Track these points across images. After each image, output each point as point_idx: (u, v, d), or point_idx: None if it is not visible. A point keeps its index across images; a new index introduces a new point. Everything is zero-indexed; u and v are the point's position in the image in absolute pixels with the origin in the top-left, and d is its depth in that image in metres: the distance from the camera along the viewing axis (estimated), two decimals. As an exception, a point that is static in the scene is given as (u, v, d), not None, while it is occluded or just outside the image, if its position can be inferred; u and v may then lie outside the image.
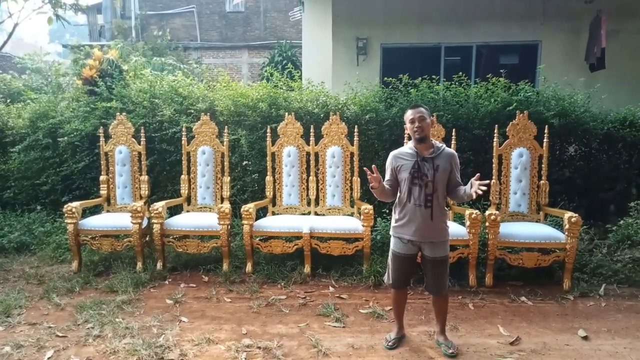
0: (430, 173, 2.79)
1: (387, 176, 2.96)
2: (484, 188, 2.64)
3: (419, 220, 2.82)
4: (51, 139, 5.63)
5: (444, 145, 2.91)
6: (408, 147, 2.93)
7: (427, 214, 2.80)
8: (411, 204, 2.84)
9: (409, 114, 2.85)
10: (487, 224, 3.88)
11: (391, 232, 2.99)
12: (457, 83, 5.25)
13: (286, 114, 4.85)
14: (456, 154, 2.92)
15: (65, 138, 5.43)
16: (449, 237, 2.95)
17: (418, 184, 2.81)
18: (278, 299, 3.73)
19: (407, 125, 2.87)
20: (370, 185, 2.80)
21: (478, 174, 2.70)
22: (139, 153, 4.88)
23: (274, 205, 4.77)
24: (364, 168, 2.95)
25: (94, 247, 4.41)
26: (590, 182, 5.05)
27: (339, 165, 4.69)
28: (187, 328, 3.26)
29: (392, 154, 2.97)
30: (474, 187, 2.67)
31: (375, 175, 2.77)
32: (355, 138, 4.64)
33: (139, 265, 4.29)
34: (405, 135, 4.43)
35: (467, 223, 3.86)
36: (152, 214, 4.25)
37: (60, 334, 3.15)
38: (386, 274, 3.08)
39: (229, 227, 4.28)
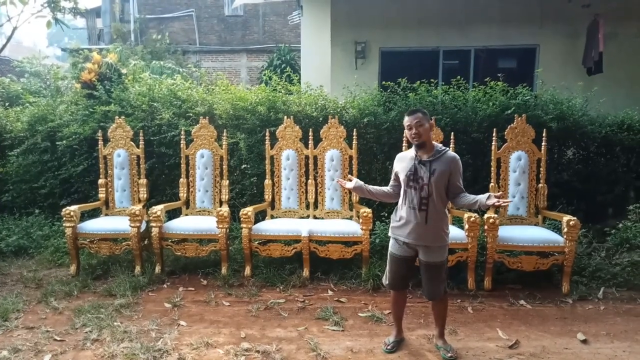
0: (426, 176, 2.79)
1: (392, 178, 3.02)
2: (504, 204, 2.66)
3: (414, 223, 2.81)
4: (50, 142, 5.62)
5: (447, 149, 2.89)
6: (412, 150, 2.93)
7: (422, 217, 2.79)
8: (407, 207, 2.85)
9: (406, 120, 2.84)
10: (485, 227, 3.88)
11: (389, 233, 3.00)
12: (455, 87, 5.27)
13: (285, 117, 4.85)
14: (458, 157, 2.89)
15: (64, 141, 5.42)
16: (447, 243, 2.92)
17: (413, 187, 2.82)
18: (277, 303, 3.73)
19: (406, 131, 2.88)
20: (349, 187, 3.06)
21: (501, 193, 2.72)
22: (138, 156, 4.88)
23: (272, 208, 4.77)
24: (338, 180, 3.22)
25: (92, 250, 4.40)
26: (589, 185, 5.06)
27: (337, 169, 4.69)
28: (186, 332, 3.25)
29: (396, 157, 3.01)
30: (492, 200, 2.68)
31: (348, 179, 3.02)
32: (354, 141, 4.65)
33: (138, 268, 4.28)
34: (404, 139, 4.44)
35: (466, 226, 3.87)
36: (151, 218, 4.24)
37: (58, 338, 3.14)
38: (385, 275, 3.08)
39: (228, 230, 4.28)
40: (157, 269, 4.30)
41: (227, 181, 4.77)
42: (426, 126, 2.81)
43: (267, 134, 4.81)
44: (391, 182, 3.03)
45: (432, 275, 2.88)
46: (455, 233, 3.91)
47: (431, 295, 2.94)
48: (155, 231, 4.24)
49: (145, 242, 4.50)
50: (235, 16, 17.36)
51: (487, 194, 2.76)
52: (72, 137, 5.41)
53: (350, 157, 4.69)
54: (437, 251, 2.86)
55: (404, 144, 4.41)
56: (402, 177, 2.87)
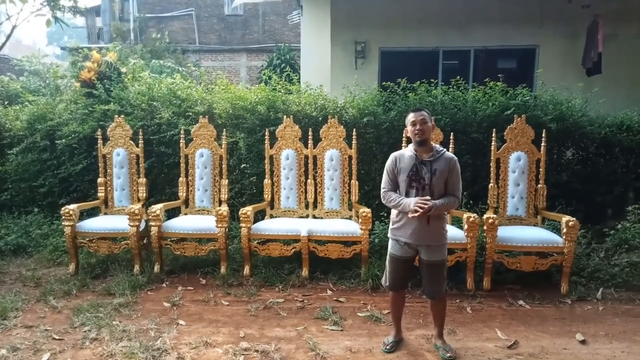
0: (428, 176, 2.80)
1: (386, 180, 2.95)
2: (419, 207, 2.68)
3: (416, 223, 2.81)
4: (49, 141, 5.61)
5: (445, 150, 2.91)
6: (408, 150, 2.93)
7: (424, 217, 2.79)
8: None
9: (410, 117, 2.85)
10: (485, 227, 3.88)
11: (389, 234, 2.99)
12: (455, 87, 5.27)
13: (284, 117, 4.85)
14: (456, 158, 2.90)
15: (63, 140, 5.42)
16: (446, 241, 2.94)
17: (415, 187, 2.82)
18: (276, 302, 3.73)
19: (409, 128, 2.87)
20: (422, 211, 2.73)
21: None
22: (137, 155, 4.88)
23: (272, 208, 4.77)
24: (420, 204, 2.72)
25: (91, 249, 4.39)
26: (588, 186, 5.06)
27: (337, 169, 4.69)
28: (185, 331, 3.25)
29: (392, 155, 2.96)
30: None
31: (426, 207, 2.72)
32: (354, 141, 4.65)
33: (137, 267, 4.28)
34: (404, 139, 4.44)
35: (465, 227, 3.87)
36: (150, 217, 4.24)
37: (57, 337, 3.13)
38: (384, 276, 3.08)
39: (227, 229, 4.29)
40: (156, 268, 4.30)
41: (227, 180, 4.77)
42: (429, 124, 2.83)
43: (266, 133, 4.81)
44: (389, 184, 2.93)
45: (434, 273, 2.89)
46: (454, 233, 3.91)
47: (433, 293, 2.95)
48: (154, 230, 4.24)
49: (145, 241, 4.50)
50: (235, 15, 17.35)
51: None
52: (71, 136, 5.41)
53: (350, 157, 4.69)
54: (439, 250, 2.87)
55: (403, 144, 4.41)
56: (403, 177, 2.86)
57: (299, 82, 6.21)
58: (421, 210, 2.69)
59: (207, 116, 4.98)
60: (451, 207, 2.90)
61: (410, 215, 2.74)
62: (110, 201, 4.89)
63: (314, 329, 3.30)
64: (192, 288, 4.05)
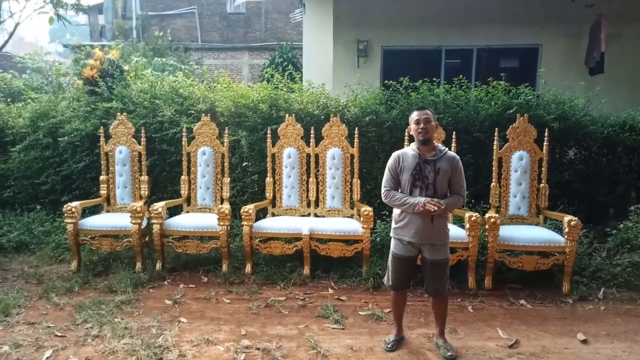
0: (432, 175, 2.79)
1: (388, 178, 2.93)
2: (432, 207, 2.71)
3: (419, 223, 2.81)
4: (51, 138, 5.62)
5: (447, 149, 2.92)
6: (410, 148, 2.92)
7: (428, 216, 2.79)
8: None
9: (414, 115, 2.85)
10: (486, 226, 3.88)
11: (391, 234, 2.99)
12: (457, 86, 5.26)
13: (287, 115, 4.85)
14: (458, 157, 2.90)
15: (66, 138, 5.43)
16: (449, 240, 2.95)
17: (419, 186, 2.81)
18: (277, 300, 3.73)
19: (412, 126, 2.87)
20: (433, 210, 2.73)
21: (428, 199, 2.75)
22: (139, 153, 4.89)
23: (273, 206, 4.77)
24: (433, 203, 2.73)
25: (93, 247, 4.40)
26: (590, 185, 5.05)
27: (339, 167, 4.69)
28: (186, 329, 3.26)
29: (394, 154, 2.95)
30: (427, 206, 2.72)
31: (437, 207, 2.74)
32: (356, 140, 4.65)
33: (138, 265, 4.29)
34: (406, 138, 4.44)
35: (467, 226, 3.87)
36: (152, 214, 4.25)
37: (59, 334, 3.15)
38: (386, 276, 3.08)
39: (229, 228, 4.28)
40: (158, 265, 4.31)
41: (229, 179, 4.78)
42: (433, 123, 2.83)
43: (268, 131, 4.81)
44: (390, 183, 2.92)
45: (438, 272, 2.89)
46: (456, 232, 3.91)
47: (437, 292, 2.95)
48: (156, 228, 4.25)
49: (146, 238, 4.51)
50: (237, 14, 17.35)
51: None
52: (73, 134, 5.41)
53: (352, 156, 4.69)
54: (442, 248, 2.87)
55: (405, 143, 4.40)
56: (406, 176, 2.85)
57: (301, 80, 6.21)
58: (435, 208, 2.70)
59: (209, 114, 4.99)
60: (457, 206, 2.94)
61: (421, 209, 2.73)
62: (113, 199, 4.90)
63: (315, 327, 3.31)
64: (193, 286, 4.06)
